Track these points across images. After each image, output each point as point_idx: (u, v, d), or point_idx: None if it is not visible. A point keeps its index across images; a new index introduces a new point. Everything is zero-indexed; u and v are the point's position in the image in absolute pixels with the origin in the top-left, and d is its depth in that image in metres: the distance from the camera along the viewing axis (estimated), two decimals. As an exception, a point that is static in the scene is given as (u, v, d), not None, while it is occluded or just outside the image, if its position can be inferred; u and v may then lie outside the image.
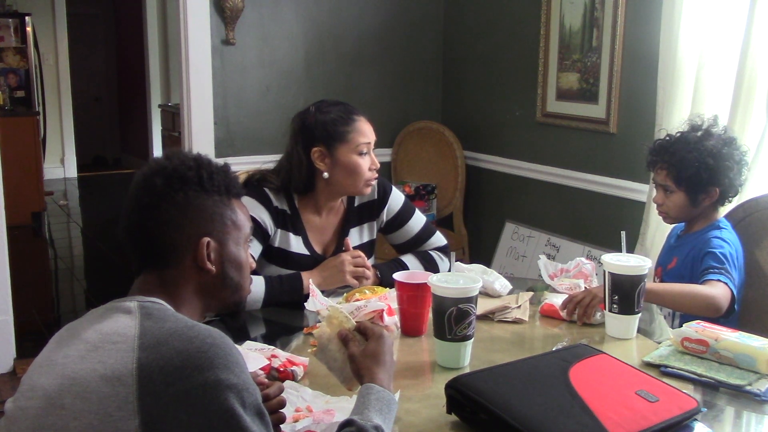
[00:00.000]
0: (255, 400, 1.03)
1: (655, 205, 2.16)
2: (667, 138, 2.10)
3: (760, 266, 2.07)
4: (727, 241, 1.99)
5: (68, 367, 1.05)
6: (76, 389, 1.02)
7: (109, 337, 1.06)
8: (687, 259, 2.04)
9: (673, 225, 2.20)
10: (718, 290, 1.85)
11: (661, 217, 2.15)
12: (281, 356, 1.54)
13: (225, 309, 1.29)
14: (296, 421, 1.32)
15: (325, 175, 2.06)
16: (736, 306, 1.91)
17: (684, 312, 1.92)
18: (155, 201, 1.18)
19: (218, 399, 0.99)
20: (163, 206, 1.18)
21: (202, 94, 3.63)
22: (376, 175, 2.11)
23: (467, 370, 1.54)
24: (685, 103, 2.81)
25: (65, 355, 1.07)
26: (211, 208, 1.21)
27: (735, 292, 1.89)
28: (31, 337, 3.90)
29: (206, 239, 1.19)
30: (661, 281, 2.10)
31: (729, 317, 1.89)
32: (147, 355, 1.01)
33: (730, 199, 2.08)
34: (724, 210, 2.17)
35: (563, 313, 1.85)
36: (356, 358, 1.30)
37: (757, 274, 2.05)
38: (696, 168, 1.98)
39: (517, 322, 1.85)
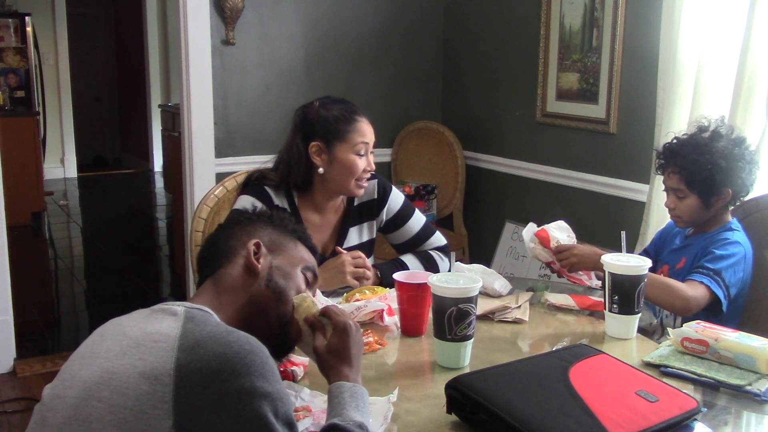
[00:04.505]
0: (287, 411, 1.05)
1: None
2: (675, 141, 2.08)
3: (761, 266, 2.06)
4: (734, 245, 1.97)
5: (109, 360, 1.07)
6: (114, 383, 1.03)
7: (152, 336, 1.08)
8: (696, 260, 2.02)
9: (670, 222, 2.18)
10: (695, 291, 1.86)
11: (665, 218, 2.14)
12: (281, 356, 1.53)
13: (269, 329, 1.27)
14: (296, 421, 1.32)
15: (321, 170, 2.07)
16: (724, 308, 1.91)
17: (655, 304, 1.92)
18: (226, 224, 1.40)
19: (252, 406, 1.00)
20: (231, 226, 1.37)
21: (202, 94, 3.63)
22: (369, 176, 2.11)
23: (467, 370, 1.54)
24: (685, 103, 2.81)
25: (108, 349, 1.09)
26: (273, 231, 1.35)
27: (722, 296, 1.89)
28: (31, 337, 3.91)
29: (256, 240, 1.31)
30: None
31: (714, 319, 1.87)
32: (185, 356, 1.02)
33: (741, 198, 2.06)
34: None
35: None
36: (320, 354, 1.28)
37: (758, 275, 2.04)
38: (709, 170, 1.96)
39: (517, 322, 1.84)
